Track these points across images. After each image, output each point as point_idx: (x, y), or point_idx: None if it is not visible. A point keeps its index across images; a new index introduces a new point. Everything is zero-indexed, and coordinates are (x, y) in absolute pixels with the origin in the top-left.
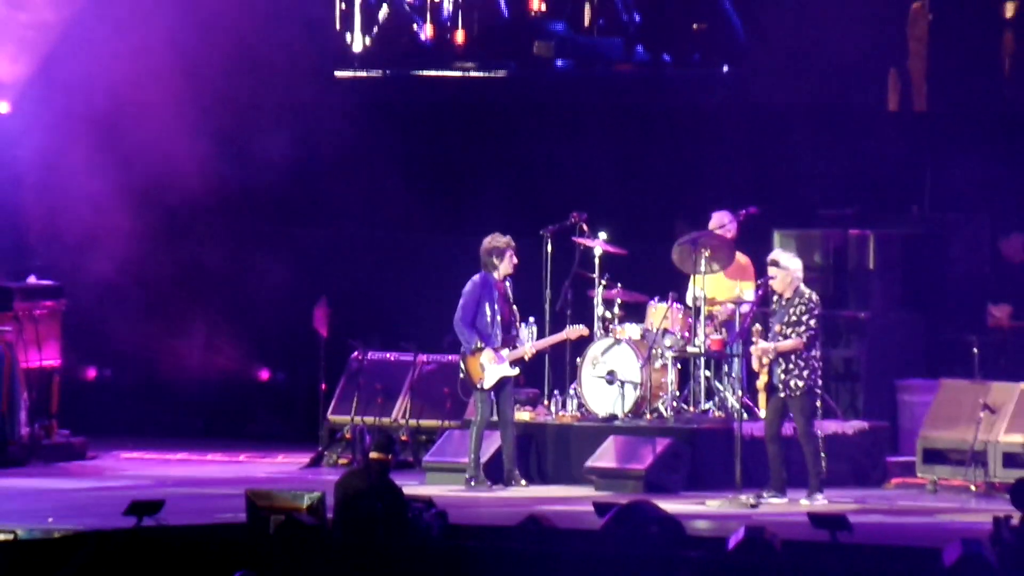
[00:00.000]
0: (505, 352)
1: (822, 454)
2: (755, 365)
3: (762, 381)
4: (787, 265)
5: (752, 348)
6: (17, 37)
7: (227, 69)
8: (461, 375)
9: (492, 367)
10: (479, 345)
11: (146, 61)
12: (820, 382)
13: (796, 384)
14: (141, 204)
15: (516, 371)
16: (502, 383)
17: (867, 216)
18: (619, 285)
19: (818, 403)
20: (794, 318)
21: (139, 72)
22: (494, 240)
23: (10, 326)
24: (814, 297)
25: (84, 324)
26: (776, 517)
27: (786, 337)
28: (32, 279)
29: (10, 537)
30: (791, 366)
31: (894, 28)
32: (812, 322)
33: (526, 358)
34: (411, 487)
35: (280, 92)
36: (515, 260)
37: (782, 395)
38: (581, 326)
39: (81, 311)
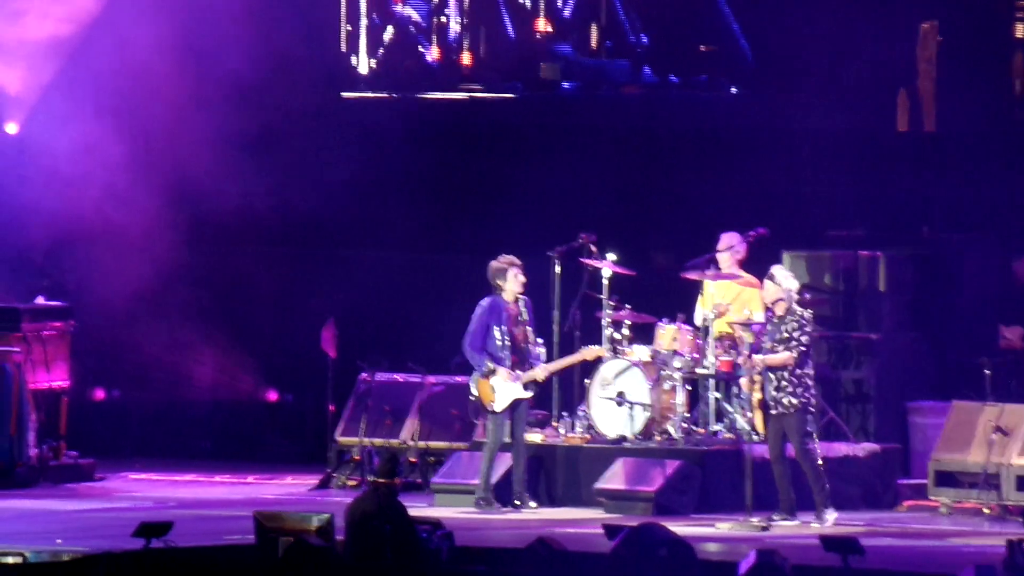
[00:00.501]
0: (519, 373)
1: (822, 468)
2: (744, 385)
3: (756, 398)
4: (781, 281)
5: (740, 359)
6: (27, 55)
7: (235, 91)
8: (472, 398)
9: (505, 389)
10: (491, 368)
11: (155, 83)
12: (813, 400)
13: (789, 402)
14: (150, 227)
15: (530, 393)
16: (515, 405)
17: (877, 237)
18: (628, 306)
19: (810, 420)
20: (785, 335)
21: (148, 94)
22: (497, 261)
23: (18, 347)
24: (807, 315)
25: (93, 345)
26: (787, 540)
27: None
28: (41, 300)
29: (19, 560)
30: (783, 383)
31: (904, 48)
32: (803, 338)
33: (540, 380)
34: (419, 509)
35: (286, 114)
36: (522, 278)
37: (774, 412)
38: (597, 347)
39: (90, 332)
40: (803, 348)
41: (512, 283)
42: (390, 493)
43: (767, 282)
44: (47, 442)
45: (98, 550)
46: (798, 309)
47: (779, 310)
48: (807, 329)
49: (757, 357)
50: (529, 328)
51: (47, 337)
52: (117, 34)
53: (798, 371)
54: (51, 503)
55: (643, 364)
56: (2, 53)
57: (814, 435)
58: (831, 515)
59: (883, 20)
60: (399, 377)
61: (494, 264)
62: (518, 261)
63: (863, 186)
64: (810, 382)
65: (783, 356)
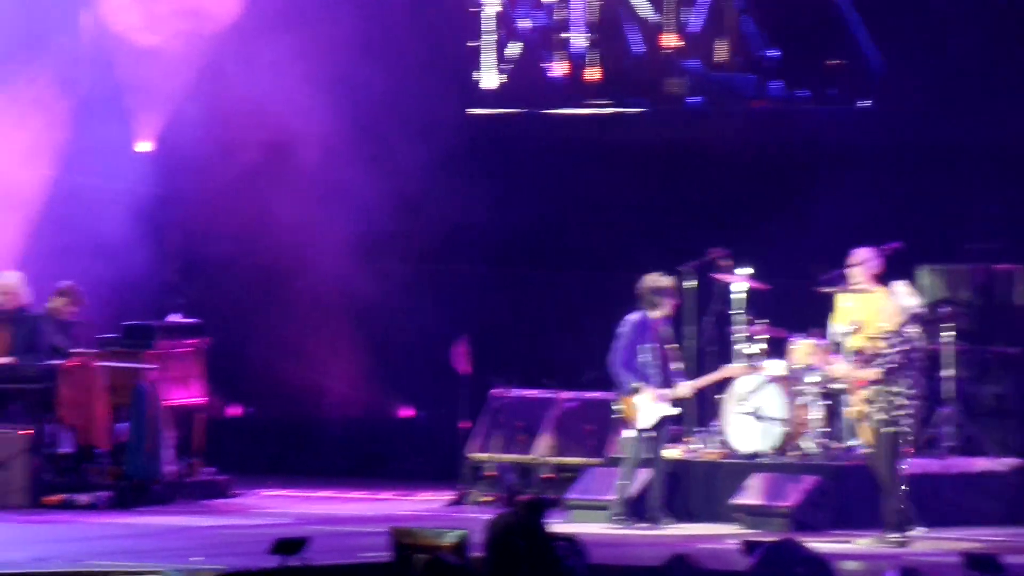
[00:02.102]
0: (665, 392)
1: (901, 489)
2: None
3: (856, 410)
4: (899, 298)
5: (829, 367)
6: (161, 71)
7: (362, 105)
8: (617, 414)
9: (650, 407)
10: (635, 385)
11: (290, 101)
12: (905, 418)
13: (879, 418)
14: (282, 244)
15: (678, 410)
16: (660, 423)
17: (1013, 250)
18: (763, 321)
19: (903, 437)
20: (880, 351)
21: (280, 112)
22: (657, 280)
23: (153, 364)
24: (911, 333)
25: (228, 362)
26: (927, 557)
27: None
28: (175, 317)
29: (156, 575)
30: (877, 399)
31: None
32: (896, 356)
33: (686, 397)
34: (553, 525)
35: (414, 130)
36: (677, 301)
37: (869, 426)
38: (738, 364)
39: (225, 349)
40: (892, 366)
41: (668, 304)
42: (533, 511)
43: (887, 297)
44: (183, 459)
45: (234, 567)
46: (908, 330)
47: (893, 326)
48: (903, 347)
49: (841, 366)
50: (673, 346)
51: (181, 354)
52: (247, 51)
53: (888, 388)
54: (187, 519)
55: (779, 379)
56: (137, 69)
57: (902, 452)
58: (896, 537)
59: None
60: (532, 393)
61: (655, 282)
62: (674, 281)
63: (998, 199)
64: (904, 400)
65: (868, 371)
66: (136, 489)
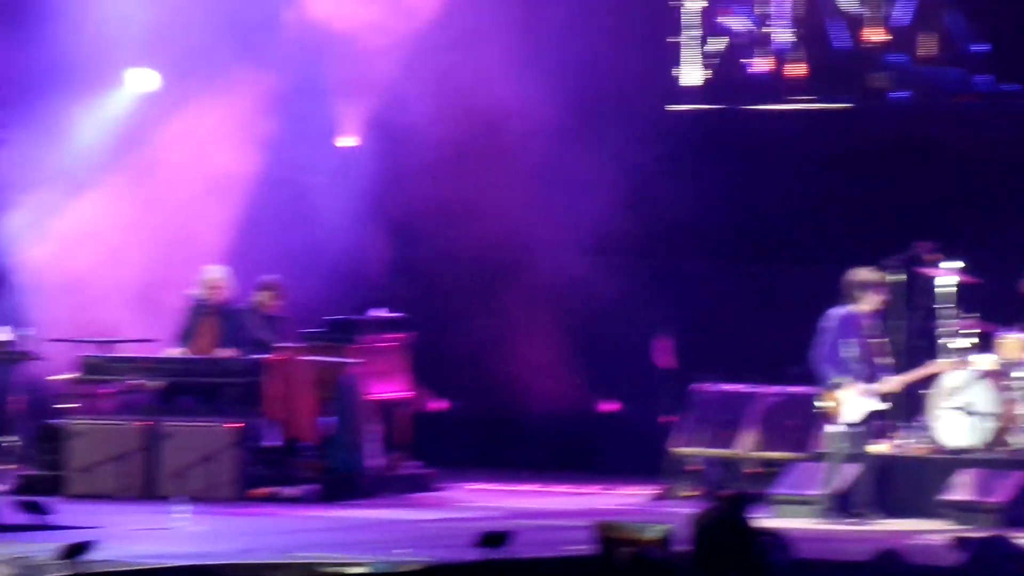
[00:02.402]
0: (872, 387)
1: None
2: None
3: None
4: None
5: None
6: (362, 72)
7: (561, 103)
8: (820, 409)
9: (856, 402)
10: (836, 380)
11: (502, 91)
12: None
13: None
14: (490, 239)
15: (885, 405)
16: (866, 417)
17: None
18: (972, 316)
19: None
20: None
21: (481, 112)
22: (864, 274)
23: (358, 359)
24: None
25: (433, 356)
26: None
27: None
28: (379, 312)
29: (362, 569)
30: None
31: None
32: None
33: (893, 391)
34: (758, 520)
35: (613, 126)
36: (884, 295)
37: None
38: (946, 360)
39: (428, 343)
40: None
41: (876, 299)
42: (737, 506)
43: None
44: (388, 453)
45: (439, 560)
46: None
47: None
48: None
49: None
50: (880, 340)
51: (386, 349)
52: (457, 43)
53: None
54: (392, 513)
55: (988, 374)
56: (343, 62)
57: None
58: None
59: None
60: (735, 388)
61: (864, 276)
62: (881, 275)
63: None
64: None
65: None
66: (341, 483)
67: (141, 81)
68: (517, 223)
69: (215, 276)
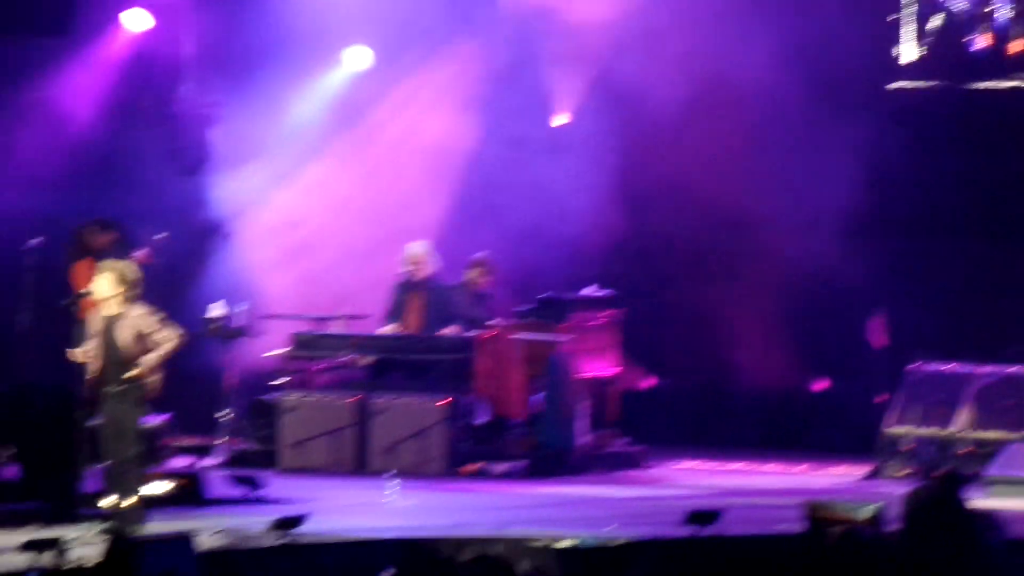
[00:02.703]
0: None
1: None
2: None
3: None
4: None
5: None
6: (578, 45)
7: (785, 84)
8: None
9: None
10: None
11: (709, 74)
12: None
13: None
14: (696, 217)
15: None
16: None
17: None
18: None
19: None
20: None
21: (702, 85)
22: None
23: (568, 336)
24: None
25: (643, 334)
26: None
27: None
28: (591, 290)
29: (572, 544)
30: None
31: None
32: None
33: None
34: (971, 500)
35: (839, 104)
36: None
37: None
38: None
39: (639, 321)
40: None
41: None
42: (949, 485)
43: None
44: (597, 430)
45: (648, 536)
46: None
47: None
48: None
49: None
50: None
51: (596, 326)
52: (667, 26)
53: None
54: (601, 490)
55: None
56: (557, 42)
57: None
58: None
59: None
60: (950, 367)
61: None
62: None
63: None
64: None
65: None
66: (550, 459)
67: (357, 59)
68: (737, 199)
69: (417, 252)
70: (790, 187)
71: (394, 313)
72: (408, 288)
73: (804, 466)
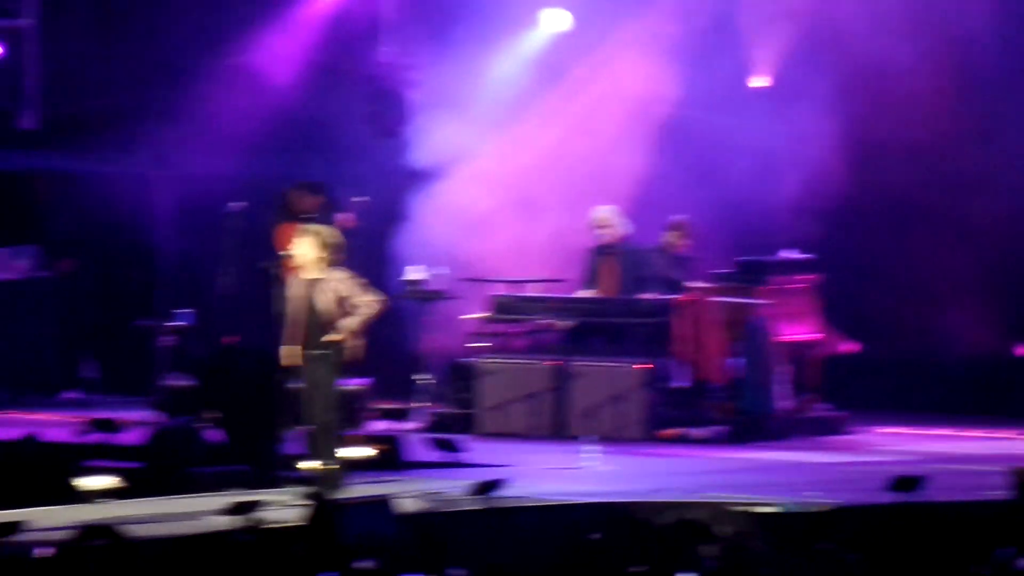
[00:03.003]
0: None
1: None
2: None
3: None
4: None
5: None
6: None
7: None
8: None
9: None
10: None
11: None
12: None
13: None
14: (913, 177)
15: None
16: None
17: None
18: None
19: None
20: None
21: (927, 43)
22: None
23: (767, 300)
24: None
25: (845, 298)
26: None
27: None
28: (790, 253)
29: (772, 510)
30: None
31: None
32: None
33: None
34: None
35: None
36: None
37: None
38: None
39: (840, 284)
40: None
41: None
42: None
43: None
44: (798, 395)
45: (850, 502)
46: None
47: None
48: None
49: None
50: None
51: (795, 290)
52: None
53: None
54: (802, 455)
55: None
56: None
57: None
58: None
59: None
60: None
61: None
62: None
63: None
64: None
65: None
66: (750, 424)
67: (555, 21)
68: (945, 163)
69: (604, 216)
70: (1006, 151)
71: (589, 278)
72: (601, 252)
73: (1010, 432)
